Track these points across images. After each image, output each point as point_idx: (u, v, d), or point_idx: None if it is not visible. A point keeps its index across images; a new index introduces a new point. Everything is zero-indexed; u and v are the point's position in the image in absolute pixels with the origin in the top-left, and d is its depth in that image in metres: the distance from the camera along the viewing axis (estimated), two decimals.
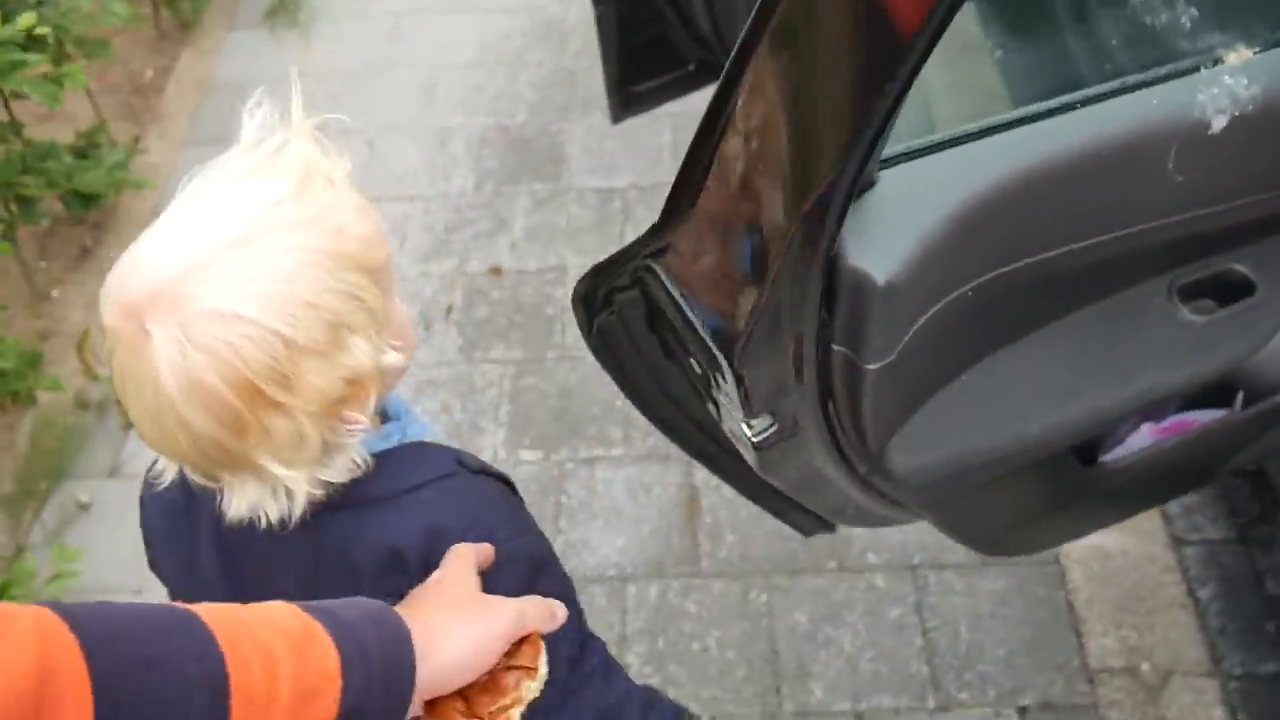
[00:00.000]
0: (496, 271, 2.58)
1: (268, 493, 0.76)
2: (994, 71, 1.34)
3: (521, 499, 0.94)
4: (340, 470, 0.78)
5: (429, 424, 0.95)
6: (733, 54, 0.81)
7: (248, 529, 0.78)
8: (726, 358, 0.90)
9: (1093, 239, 1.01)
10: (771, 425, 0.95)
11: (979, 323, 1.02)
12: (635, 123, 2.35)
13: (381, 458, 0.82)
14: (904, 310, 0.92)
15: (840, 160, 0.75)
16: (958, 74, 1.40)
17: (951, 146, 0.93)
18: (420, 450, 0.87)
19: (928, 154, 0.93)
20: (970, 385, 1.06)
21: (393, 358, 0.78)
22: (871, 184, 0.88)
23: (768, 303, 0.85)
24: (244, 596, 0.73)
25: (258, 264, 0.70)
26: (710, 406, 1.04)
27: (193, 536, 0.90)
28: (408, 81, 3.07)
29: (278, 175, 0.74)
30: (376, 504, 0.83)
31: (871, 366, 0.92)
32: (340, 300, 0.73)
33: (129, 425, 2.27)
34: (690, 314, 0.93)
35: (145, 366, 0.70)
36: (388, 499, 0.83)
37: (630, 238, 2.61)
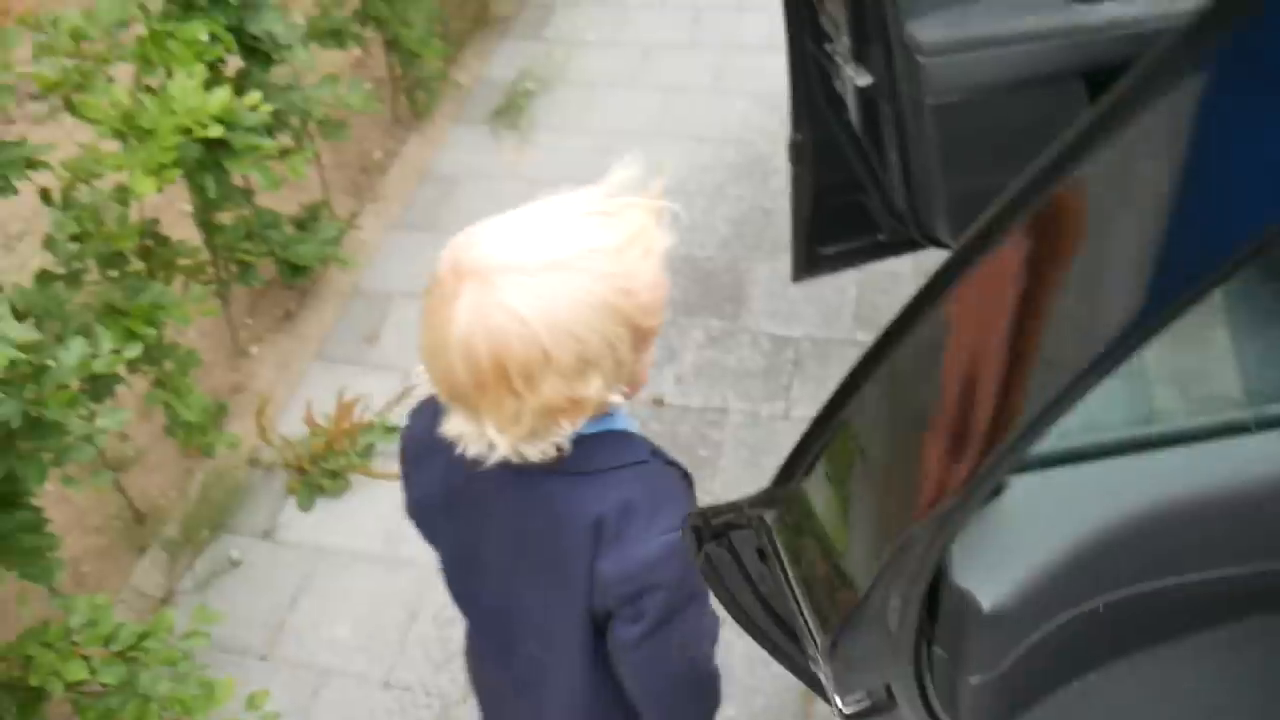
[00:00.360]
0: (659, 402, 2.60)
1: (476, 437, 0.95)
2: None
3: (694, 493, 1.13)
4: (536, 452, 0.96)
5: (632, 420, 1.13)
6: (867, 351, 0.76)
7: (474, 468, 0.97)
8: (822, 634, 0.87)
9: (1254, 566, 0.93)
10: (864, 700, 0.91)
11: (1098, 635, 0.96)
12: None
13: (595, 439, 1.01)
14: (1010, 633, 0.87)
15: (968, 483, 0.70)
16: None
17: (1094, 459, 0.87)
18: (625, 438, 1.07)
19: (1064, 464, 0.87)
20: (1086, 691, 1.00)
21: (616, 398, 0.96)
22: (997, 491, 0.83)
23: (867, 599, 0.81)
24: (455, 523, 1.09)
25: (556, 291, 0.88)
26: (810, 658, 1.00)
27: (436, 455, 1.05)
28: None
29: (610, 228, 0.92)
30: (587, 476, 1.02)
31: (973, 680, 0.86)
32: (600, 346, 0.90)
33: (291, 491, 2.40)
34: (792, 582, 0.90)
35: (449, 311, 0.90)
36: (595, 473, 1.02)
37: (797, 392, 2.58)
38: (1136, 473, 0.87)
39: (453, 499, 1.12)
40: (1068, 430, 0.93)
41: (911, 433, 0.73)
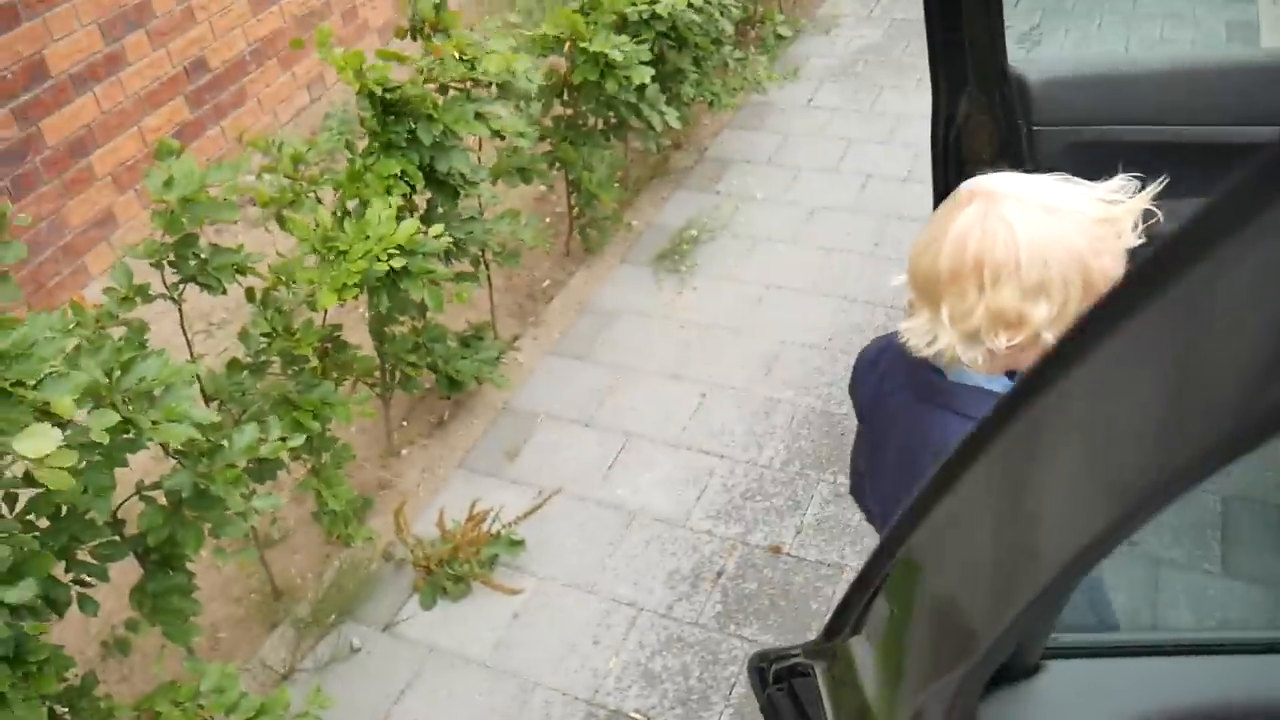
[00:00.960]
0: (776, 550, 2.64)
1: (924, 332, 1.15)
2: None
3: None
4: (959, 357, 1.13)
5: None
6: (891, 525, 0.80)
7: (898, 387, 1.26)
8: None
9: None
10: None
11: None
12: None
13: (980, 390, 1.18)
14: None
15: (976, 651, 0.73)
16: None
17: (1141, 655, 0.88)
18: (994, 396, 1.18)
19: (1109, 656, 0.89)
20: None
21: (1040, 341, 1.10)
22: (1031, 671, 0.85)
23: None
24: (870, 428, 1.34)
25: (1045, 222, 1.07)
26: None
27: (871, 374, 1.37)
28: (754, 349, 3.29)
29: (1099, 207, 1.10)
30: (962, 417, 1.17)
31: None
32: (1058, 282, 1.07)
33: (416, 589, 2.54)
34: None
35: (955, 213, 1.10)
36: (970, 417, 1.12)
37: None
38: (1189, 672, 0.88)
39: (874, 409, 1.37)
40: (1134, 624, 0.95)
41: (942, 593, 0.77)
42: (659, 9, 3.26)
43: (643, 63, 3.10)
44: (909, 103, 4.58)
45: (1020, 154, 1.74)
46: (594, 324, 3.46)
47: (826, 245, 3.74)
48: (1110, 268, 1.08)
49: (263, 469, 2.04)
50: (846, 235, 3.78)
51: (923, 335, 1.16)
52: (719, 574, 2.59)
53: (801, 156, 4.27)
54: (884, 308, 3.41)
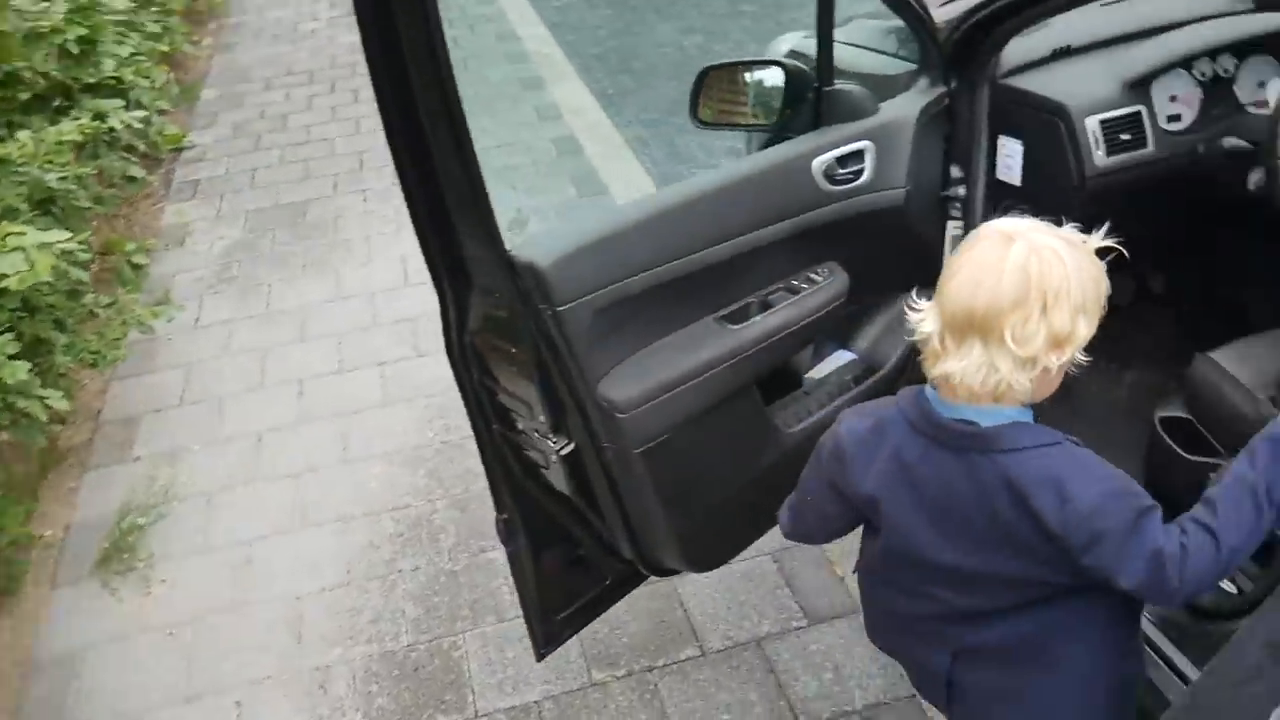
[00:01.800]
0: None
1: (977, 368, 1.22)
2: None
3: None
4: (1013, 385, 1.22)
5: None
6: None
7: (924, 451, 1.32)
8: None
9: None
10: None
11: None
12: None
13: (1015, 426, 1.27)
14: None
15: None
16: None
17: None
18: (1037, 426, 1.29)
19: None
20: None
21: (1057, 366, 1.23)
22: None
23: None
24: (906, 491, 1.35)
25: (1079, 259, 1.21)
26: None
27: (879, 447, 1.37)
28: (269, 619, 2.77)
29: (1090, 243, 1.26)
30: (1008, 453, 1.26)
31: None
32: (1093, 306, 1.22)
33: None
34: None
35: (1002, 250, 1.20)
36: (1015, 450, 1.26)
37: None
38: None
39: (903, 472, 1.36)
40: None
41: None
42: (9, 284, 2.61)
43: (11, 357, 2.46)
44: (303, 291, 4.33)
45: (551, 338, 1.62)
46: (53, 682, 2.65)
47: (292, 470, 3.32)
48: (1105, 289, 1.25)
49: None
50: (307, 451, 3.40)
51: (979, 370, 1.23)
52: None
53: (217, 384, 3.78)
54: (385, 514, 3.09)
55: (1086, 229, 1.29)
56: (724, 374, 1.80)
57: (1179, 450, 2.04)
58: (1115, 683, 1.45)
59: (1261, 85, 2.36)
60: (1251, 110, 2.34)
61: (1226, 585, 1.95)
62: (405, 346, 3.88)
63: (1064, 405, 1.42)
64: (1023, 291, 1.19)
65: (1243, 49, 2.32)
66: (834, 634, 2.44)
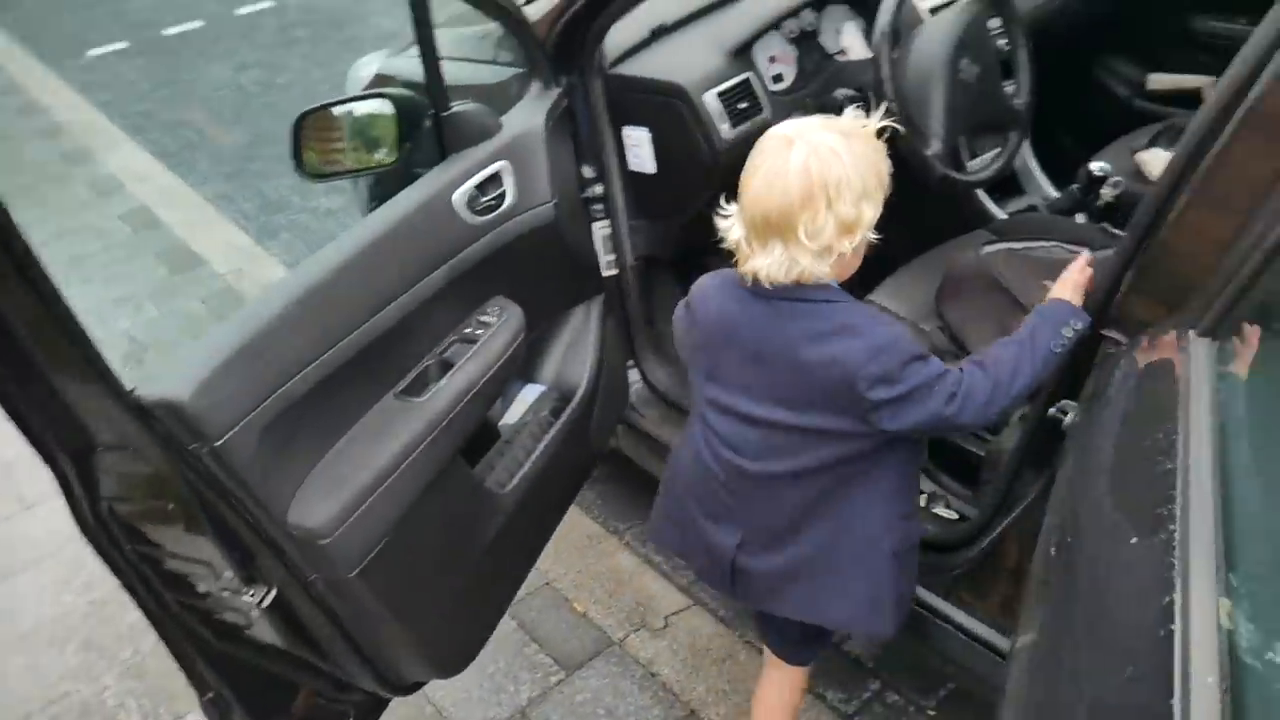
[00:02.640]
0: None
1: (779, 263, 1.36)
2: None
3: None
4: (814, 272, 1.37)
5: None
6: None
7: (742, 306, 1.45)
8: None
9: None
10: None
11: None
12: None
13: (817, 288, 1.40)
14: None
15: None
16: None
17: None
18: (839, 292, 1.44)
19: None
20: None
21: (851, 250, 1.37)
22: None
23: None
24: (725, 339, 1.49)
25: (853, 145, 1.33)
26: None
27: (706, 303, 1.53)
28: None
29: (868, 127, 1.38)
30: (814, 303, 1.41)
31: None
32: (874, 189, 1.35)
33: None
34: None
35: (786, 153, 1.32)
36: (821, 302, 1.41)
37: None
38: None
39: (724, 325, 1.49)
40: None
41: None
42: None
43: None
44: None
45: (216, 480, 1.33)
46: None
47: None
48: (886, 168, 1.36)
49: None
50: None
51: (782, 265, 1.36)
52: None
53: None
54: (43, 710, 2.54)
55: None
56: (424, 455, 1.58)
57: None
58: (900, 546, 1.57)
59: (839, 32, 2.48)
60: (838, 59, 2.45)
61: (947, 513, 2.03)
62: (6, 502, 3.22)
63: None
64: (808, 191, 1.30)
65: (819, 2, 2.41)
66: (595, 676, 2.29)
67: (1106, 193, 2.23)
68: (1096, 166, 2.30)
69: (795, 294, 1.39)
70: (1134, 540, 0.92)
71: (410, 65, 2.67)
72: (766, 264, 1.36)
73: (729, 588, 1.65)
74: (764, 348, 1.44)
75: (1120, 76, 2.98)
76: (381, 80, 2.81)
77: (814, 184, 1.30)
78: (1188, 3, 2.77)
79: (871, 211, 1.34)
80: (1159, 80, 2.95)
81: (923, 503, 2.05)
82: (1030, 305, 1.87)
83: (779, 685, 1.87)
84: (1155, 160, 2.29)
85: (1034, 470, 1.64)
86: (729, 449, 1.53)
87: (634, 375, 2.43)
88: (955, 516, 1.99)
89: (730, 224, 1.41)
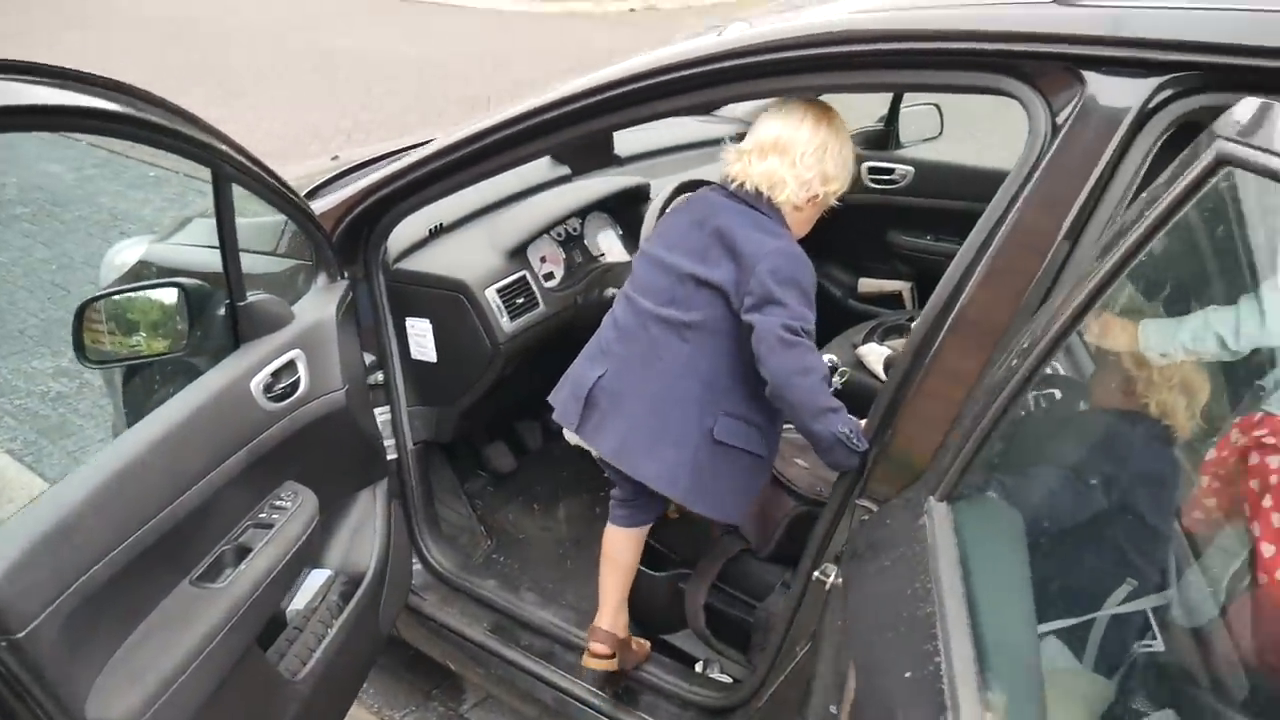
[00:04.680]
0: None
1: (771, 172, 1.79)
2: None
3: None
4: (791, 198, 1.80)
5: None
6: None
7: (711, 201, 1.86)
8: None
9: None
10: None
11: None
12: None
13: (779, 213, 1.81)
14: None
15: None
16: None
17: None
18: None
19: None
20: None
21: (813, 203, 1.82)
22: None
23: None
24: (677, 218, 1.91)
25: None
26: None
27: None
28: None
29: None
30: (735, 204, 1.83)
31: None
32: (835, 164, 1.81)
33: None
34: None
35: (804, 109, 1.80)
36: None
37: None
38: None
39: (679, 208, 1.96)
40: None
41: None
42: None
43: None
44: None
45: (13, 678, 1.26)
46: None
47: None
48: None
49: None
50: None
51: (768, 177, 1.78)
52: None
53: None
54: None
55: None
56: (222, 643, 1.55)
57: None
58: (726, 438, 1.80)
59: (646, 240, 2.75)
60: (600, 260, 2.70)
61: (722, 677, 2.17)
62: None
63: None
64: (812, 137, 1.80)
65: (583, 210, 2.68)
66: None
67: (836, 381, 2.57)
68: (826, 359, 2.64)
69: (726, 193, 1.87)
70: (907, 675, 1.10)
71: (178, 253, 2.68)
72: (761, 170, 1.82)
73: (577, 420, 1.89)
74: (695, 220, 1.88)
75: (836, 281, 3.45)
76: (144, 267, 2.78)
77: (819, 136, 1.81)
78: (887, 220, 3.28)
79: (839, 185, 1.84)
80: (867, 284, 3.44)
81: (699, 669, 2.19)
82: (789, 480, 2.11)
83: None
84: (872, 353, 2.66)
85: (801, 630, 1.82)
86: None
87: (414, 560, 2.46)
88: (730, 680, 2.13)
89: None
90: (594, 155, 2.92)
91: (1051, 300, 1.40)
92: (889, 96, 3.37)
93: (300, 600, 2.02)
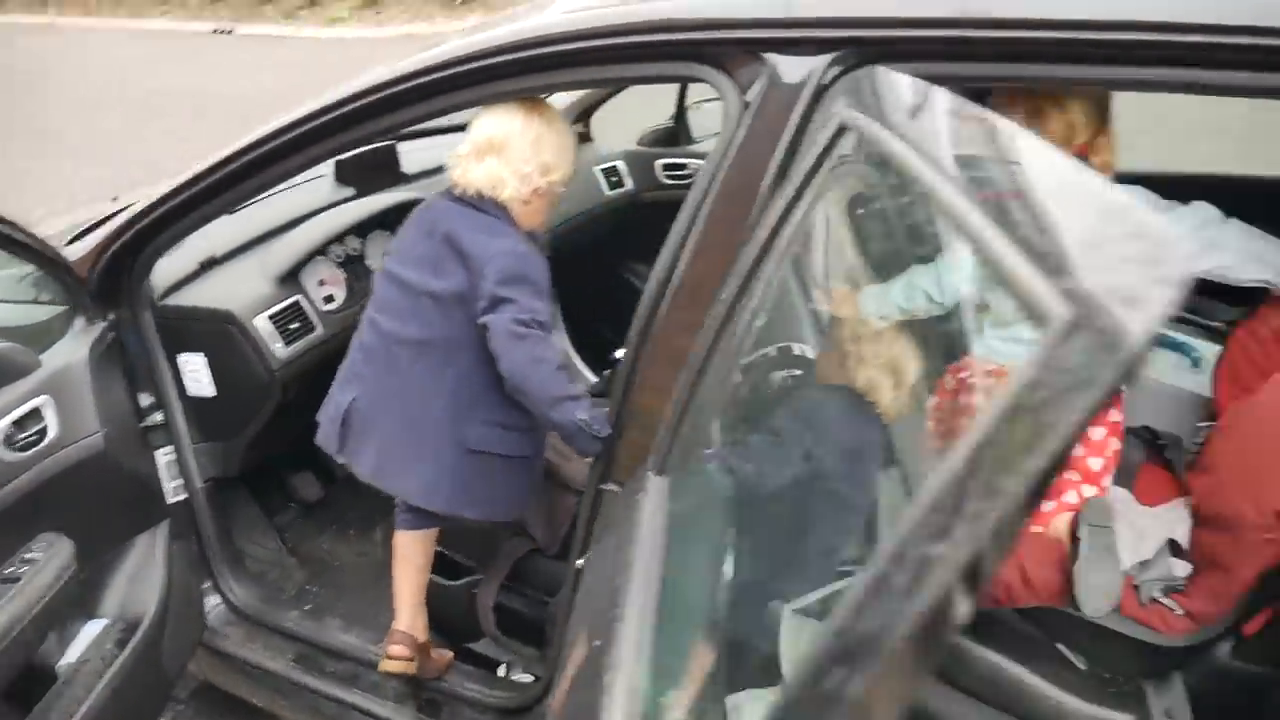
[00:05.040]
0: None
1: (491, 174, 1.81)
2: None
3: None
4: (515, 194, 1.83)
5: None
6: None
7: (438, 209, 1.89)
8: None
9: None
10: None
11: None
12: None
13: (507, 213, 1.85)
14: None
15: None
16: None
17: None
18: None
19: None
20: None
21: (538, 194, 1.86)
22: None
23: None
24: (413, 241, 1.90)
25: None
26: None
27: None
28: None
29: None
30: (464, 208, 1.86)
31: None
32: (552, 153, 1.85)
33: None
34: None
35: (517, 111, 1.85)
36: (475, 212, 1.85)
37: None
38: None
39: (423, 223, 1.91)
40: None
41: None
42: None
43: None
44: None
45: None
46: None
47: None
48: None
49: None
50: None
51: (488, 177, 1.81)
52: None
53: None
54: None
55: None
56: None
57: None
58: (480, 446, 1.83)
59: (386, 255, 2.74)
60: None
61: (524, 677, 2.19)
62: None
63: None
64: (526, 133, 1.84)
65: (363, 228, 2.66)
66: None
67: None
68: (621, 353, 2.69)
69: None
70: (596, 644, 1.14)
71: None
72: (482, 173, 1.83)
73: (337, 443, 1.91)
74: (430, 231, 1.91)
75: (640, 275, 3.51)
76: None
77: (531, 131, 1.85)
78: None
79: (560, 175, 1.88)
80: None
81: (502, 672, 2.20)
82: (567, 477, 2.15)
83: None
84: None
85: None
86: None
87: (214, 599, 2.40)
88: (532, 678, 2.15)
89: None
90: (379, 174, 2.92)
91: (734, 272, 1.46)
92: (675, 93, 3.46)
93: (74, 652, 1.95)
